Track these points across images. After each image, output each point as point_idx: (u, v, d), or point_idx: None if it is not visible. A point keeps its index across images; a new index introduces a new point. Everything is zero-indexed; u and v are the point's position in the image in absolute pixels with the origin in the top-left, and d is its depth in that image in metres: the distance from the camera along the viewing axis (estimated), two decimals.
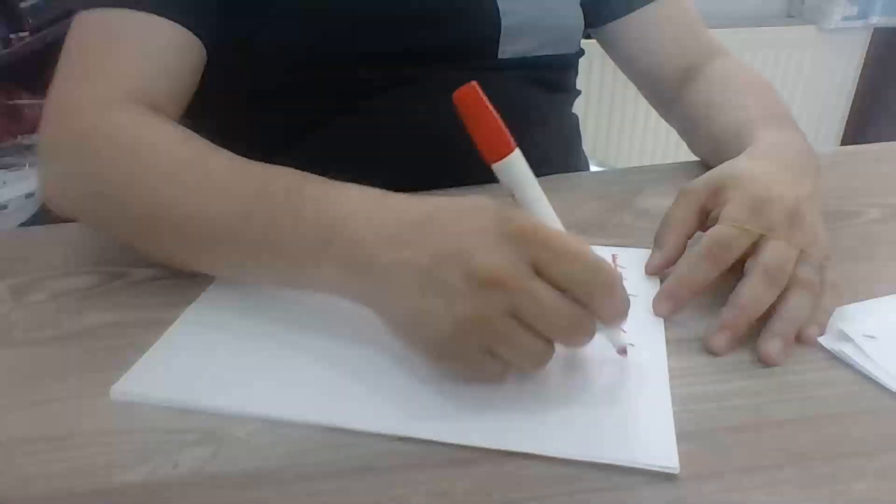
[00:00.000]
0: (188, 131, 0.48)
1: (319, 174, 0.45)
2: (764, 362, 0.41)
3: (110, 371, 0.39)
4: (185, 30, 0.53)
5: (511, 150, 0.37)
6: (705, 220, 0.48)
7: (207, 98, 0.58)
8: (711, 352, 0.41)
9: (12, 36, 1.27)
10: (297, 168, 0.46)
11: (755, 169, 0.48)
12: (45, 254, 0.53)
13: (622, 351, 0.40)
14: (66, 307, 0.47)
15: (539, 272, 0.35)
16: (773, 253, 0.42)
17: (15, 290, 0.49)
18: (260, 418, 0.37)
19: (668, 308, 0.44)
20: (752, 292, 0.42)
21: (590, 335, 0.37)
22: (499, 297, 0.34)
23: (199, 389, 0.38)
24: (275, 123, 0.63)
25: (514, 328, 0.35)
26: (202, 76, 0.57)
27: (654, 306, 0.45)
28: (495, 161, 0.37)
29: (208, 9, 0.55)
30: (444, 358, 0.37)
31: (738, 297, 0.42)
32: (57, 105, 0.51)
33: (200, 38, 0.54)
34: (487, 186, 0.42)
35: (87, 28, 0.53)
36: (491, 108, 0.36)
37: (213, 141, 0.49)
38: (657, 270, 0.48)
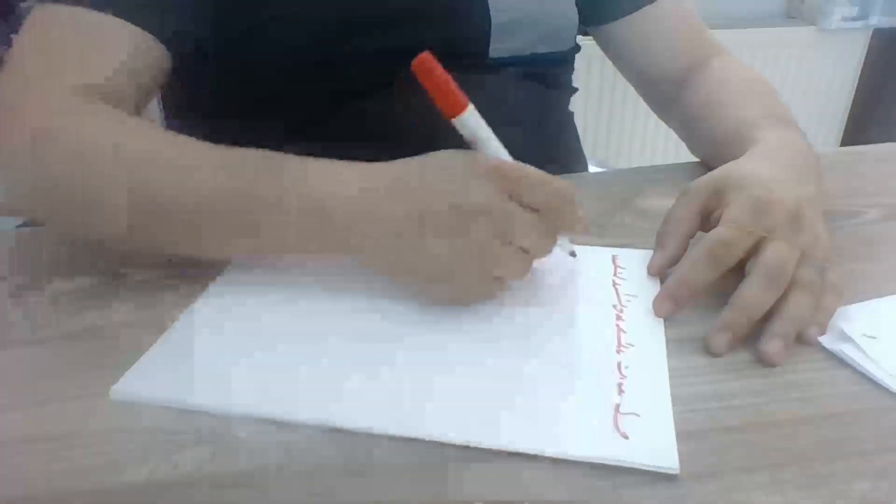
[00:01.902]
0: (148, 121, 0.48)
1: None
2: (764, 362, 0.41)
3: (110, 371, 0.39)
4: (141, 31, 0.53)
5: (465, 106, 0.43)
6: (707, 220, 0.48)
7: (199, 101, 0.58)
8: (711, 352, 0.41)
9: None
10: None
11: (756, 170, 0.48)
12: (45, 254, 0.53)
13: (573, 254, 0.49)
14: (66, 307, 0.47)
15: (512, 198, 0.42)
16: (774, 254, 0.42)
17: (15, 290, 0.49)
18: (260, 418, 0.37)
19: (669, 308, 0.44)
20: (753, 293, 0.42)
21: (553, 244, 0.45)
22: (486, 223, 0.41)
23: (199, 389, 0.38)
24: (268, 126, 0.63)
25: (500, 247, 0.42)
26: (197, 80, 0.57)
27: (654, 307, 0.45)
28: (454, 116, 0.43)
29: (168, 11, 0.54)
30: (454, 287, 0.43)
31: (739, 298, 0.42)
32: (8, 104, 0.49)
33: (160, 40, 0.54)
34: None
35: (43, 23, 0.52)
36: (444, 72, 0.41)
37: (203, 139, 0.49)
38: (659, 271, 0.48)
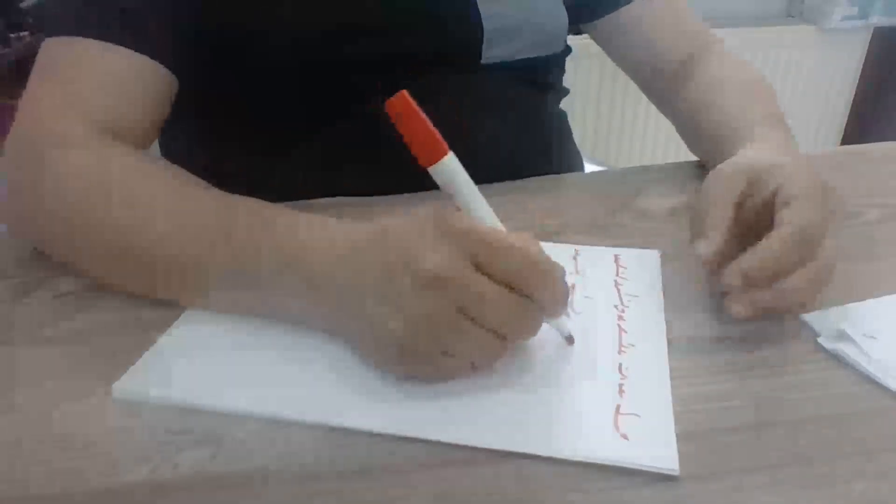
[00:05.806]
0: (156, 161, 0.49)
1: (309, 180, 0.46)
2: (726, 309, 0.41)
3: (110, 371, 0.39)
4: (148, 59, 0.53)
5: (444, 154, 0.37)
6: (740, 208, 0.46)
7: (203, 106, 0.58)
8: (730, 313, 0.41)
9: (12, 36, 1.27)
10: (289, 173, 0.46)
11: (779, 160, 0.47)
12: (46, 254, 0.53)
13: (569, 339, 0.41)
14: (66, 307, 0.46)
15: (479, 268, 0.36)
16: (813, 223, 0.42)
17: (15, 290, 0.49)
18: (260, 418, 0.37)
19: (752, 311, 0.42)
20: (782, 251, 0.40)
21: (535, 326, 0.38)
22: (444, 295, 0.35)
23: (200, 388, 0.38)
24: (264, 132, 0.63)
25: (462, 324, 0.36)
26: (197, 82, 0.57)
27: (732, 309, 0.42)
28: (429, 165, 0.37)
29: (173, 36, 0.54)
30: (403, 363, 0.38)
31: (764, 251, 0.40)
32: (22, 137, 0.50)
33: (167, 65, 0.54)
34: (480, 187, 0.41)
35: (53, 57, 0.53)
36: (422, 114, 0.36)
37: (207, 146, 0.49)
38: (713, 264, 0.44)
